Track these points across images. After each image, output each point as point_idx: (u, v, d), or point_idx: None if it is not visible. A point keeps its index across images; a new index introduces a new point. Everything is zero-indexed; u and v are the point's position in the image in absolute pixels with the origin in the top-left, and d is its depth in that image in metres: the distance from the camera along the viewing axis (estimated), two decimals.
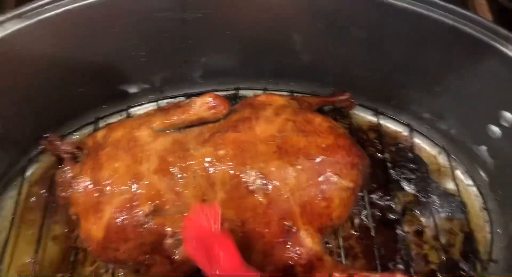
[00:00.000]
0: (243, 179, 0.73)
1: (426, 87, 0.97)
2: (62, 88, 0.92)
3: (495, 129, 0.88)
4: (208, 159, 0.74)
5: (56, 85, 0.91)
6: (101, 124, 1.03)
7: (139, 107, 1.06)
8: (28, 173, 0.95)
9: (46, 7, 0.81)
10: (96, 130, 1.00)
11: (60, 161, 0.91)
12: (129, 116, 1.04)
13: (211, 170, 0.74)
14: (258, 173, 0.73)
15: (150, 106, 1.06)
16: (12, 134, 0.91)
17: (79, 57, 0.89)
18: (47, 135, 0.88)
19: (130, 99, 1.05)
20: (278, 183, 0.73)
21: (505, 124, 0.86)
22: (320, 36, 0.95)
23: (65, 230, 0.87)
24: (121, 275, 0.80)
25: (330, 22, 0.92)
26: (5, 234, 0.85)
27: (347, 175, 0.76)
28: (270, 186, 0.73)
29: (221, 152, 0.75)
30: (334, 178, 0.75)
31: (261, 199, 0.73)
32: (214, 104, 0.81)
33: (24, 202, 0.92)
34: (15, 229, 0.87)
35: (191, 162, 0.75)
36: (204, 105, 0.81)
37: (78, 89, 0.95)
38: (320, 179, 0.74)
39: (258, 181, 0.73)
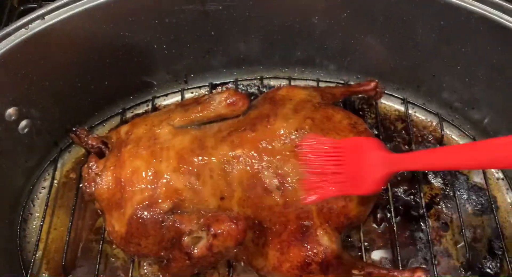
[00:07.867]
0: (260, 179, 0.73)
1: (458, 76, 0.93)
2: (90, 82, 0.95)
3: None
4: (225, 158, 0.75)
5: (85, 79, 0.94)
6: (128, 114, 1.05)
7: (164, 97, 1.07)
8: (59, 163, 0.99)
9: (71, 6, 0.83)
10: (122, 120, 1.03)
11: (88, 152, 0.95)
12: (154, 106, 1.05)
13: (229, 169, 0.75)
14: (275, 173, 0.73)
15: (175, 96, 1.07)
16: (45, 126, 0.95)
17: (105, 51, 0.92)
18: (75, 129, 0.91)
19: (155, 89, 1.06)
20: (294, 183, 0.73)
21: None
22: (344, 24, 0.92)
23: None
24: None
25: (354, 9, 0.89)
26: (40, 221, 0.90)
27: None
28: (286, 186, 0.73)
29: (238, 152, 0.75)
30: None
31: (277, 199, 0.73)
32: (232, 101, 0.81)
33: (56, 190, 0.96)
34: (49, 217, 0.92)
35: (209, 161, 0.75)
36: (222, 101, 0.81)
37: (105, 82, 0.97)
38: None
39: (275, 181, 0.73)
